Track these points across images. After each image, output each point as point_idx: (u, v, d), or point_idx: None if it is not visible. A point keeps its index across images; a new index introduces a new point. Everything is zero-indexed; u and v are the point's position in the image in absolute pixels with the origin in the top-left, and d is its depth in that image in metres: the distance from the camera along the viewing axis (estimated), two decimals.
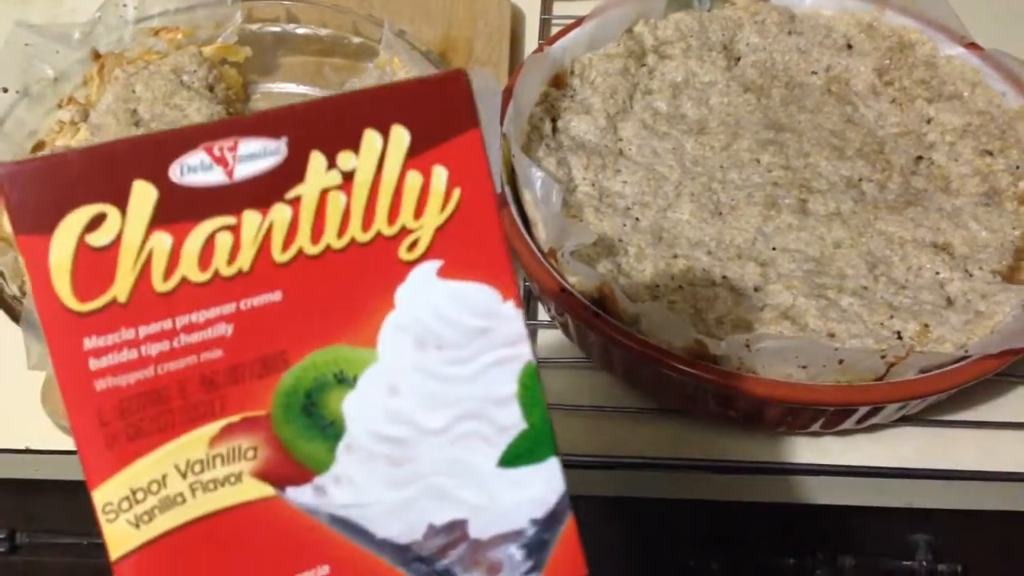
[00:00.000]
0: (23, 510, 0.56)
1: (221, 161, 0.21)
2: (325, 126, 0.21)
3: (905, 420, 0.46)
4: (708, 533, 0.55)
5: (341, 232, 0.22)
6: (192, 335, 0.21)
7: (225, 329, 0.21)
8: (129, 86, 0.54)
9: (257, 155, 0.21)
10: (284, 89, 0.61)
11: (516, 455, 0.23)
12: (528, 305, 0.50)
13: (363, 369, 0.22)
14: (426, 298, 0.22)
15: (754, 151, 0.51)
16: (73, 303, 0.21)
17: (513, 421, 0.23)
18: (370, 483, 0.22)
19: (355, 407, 0.22)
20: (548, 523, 0.23)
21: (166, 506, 0.21)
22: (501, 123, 0.49)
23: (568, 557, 0.23)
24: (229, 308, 0.21)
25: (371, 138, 0.22)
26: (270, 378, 0.22)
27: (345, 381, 0.22)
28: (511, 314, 0.23)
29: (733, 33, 0.57)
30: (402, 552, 0.22)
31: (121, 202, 0.20)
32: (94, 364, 0.21)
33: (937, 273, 0.46)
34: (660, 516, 0.51)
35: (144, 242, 0.21)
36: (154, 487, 0.21)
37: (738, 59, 0.57)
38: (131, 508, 0.21)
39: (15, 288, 0.47)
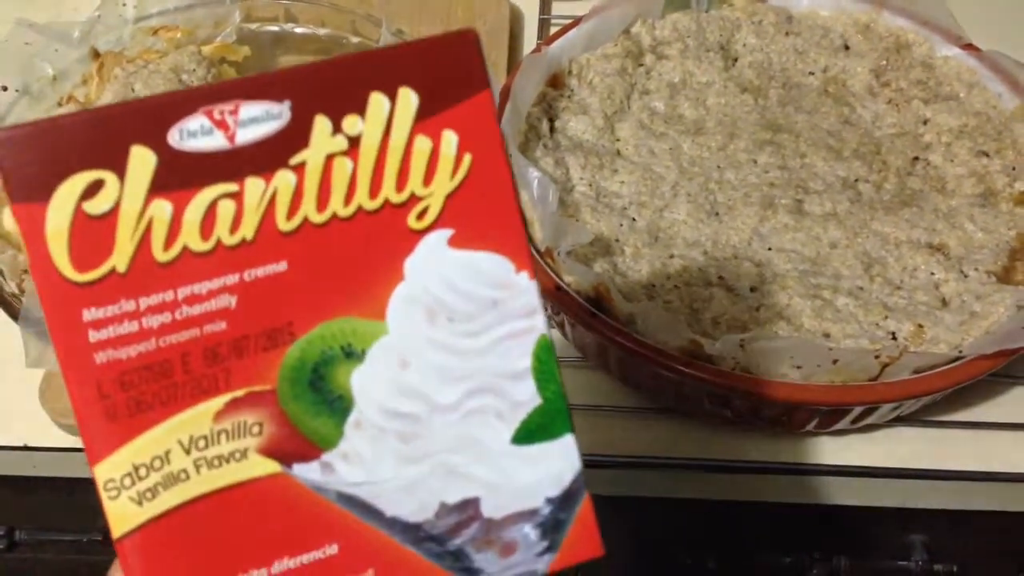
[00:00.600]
0: (22, 507, 0.56)
1: (222, 125, 0.20)
2: (330, 89, 0.21)
3: (900, 420, 0.46)
4: (704, 533, 0.54)
5: (347, 200, 0.21)
6: (194, 307, 0.21)
7: (229, 300, 0.21)
8: (128, 85, 0.54)
9: (259, 119, 0.20)
10: None
11: (530, 431, 0.22)
12: None
13: (372, 342, 0.21)
14: (437, 268, 0.21)
15: (751, 151, 0.51)
16: (71, 273, 0.20)
17: (527, 396, 0.22)
18: (380, 460, 0.21)
19: (364, 381, 0.21)
20: (564, 502, 0.23)
21: (169, 483, 0.21)
22: (498, 123, 0.49)
23: (584, 537, 0.23)
24: (232, 279, 0.21)
25: (378, 101, 0.21)
26: (276, 351, 0.21)
27: (353, 355, 0.21)
28: (525, 285, 0.22)
29: (730, 34, 0.58)
30: (413, 531, 0.22)
31: (119, 168, 0.20)
32: (94, 336, 0.20)
33: (932, 274, 0.46)
34: (656, 515, 0.51)
35: (143, 210, 0.20)
36: (157, 463, 0.20)
37: (735, 60, 0.57)
38: (134, 485, 0.20)
39: (13, 286, 0.46)
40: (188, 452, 0.21)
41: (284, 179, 0.21)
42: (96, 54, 0.55)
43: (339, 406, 0.21)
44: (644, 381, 0.46)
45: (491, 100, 0.22)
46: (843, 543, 0.54)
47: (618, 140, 0.53)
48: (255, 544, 0.21)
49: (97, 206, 0.20)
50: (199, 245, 0.20)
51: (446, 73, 0.21)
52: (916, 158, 0.52)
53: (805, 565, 0.54)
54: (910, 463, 0.45)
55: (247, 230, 0.21)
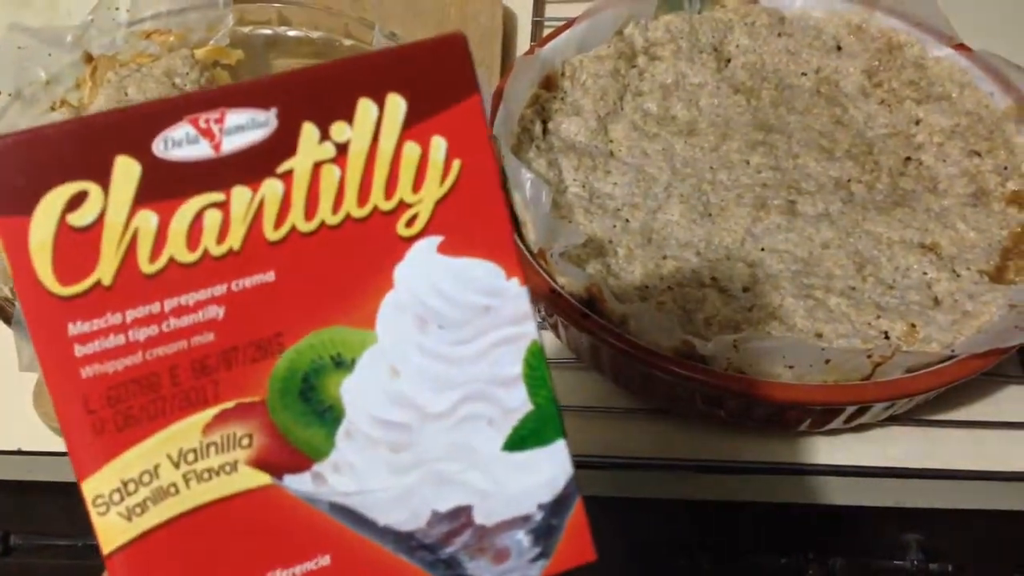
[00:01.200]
0: (17, 512, 0.56)
1: (207, 134, 0.20)
2: (317, 95, 0.20)
3: (894, 420, 0.46)
4: (698, 533, 0.54)
5: (336, 208, 0.21)
6: (182, 318, 0.20)
7: (216, 312, 0.20)
8: (121, 88, 0.54)
9: (245, 127, 0.20)
10: None
11: (522, 438, 0.22)
12: None
13: (362, 351, 0.21)
14: (426, 276, 0.21)
15: (744, 152, 0.51)
16: (56, 287, 0.20)
17: (519, 402, 0.22)
18: (371, 469, 0.21)
19: (354, 391, 0.21)
20: (556, 508, 0.23)
21: (159, 497, 0.20)
22: (491, 125, 0.49)
23: (577, 542, 0.23)
24: (220, 289, 0.20)
25: (365, 107, 0.21)
26: (265, 362, 0.21)
27: (343, 364, 0.21)
28: (515, 291, 0.22)
29: (723, 35, 0.58)
30: (405, 540, 0.22)
31: (103, 179, 0.19)
32: (79, 350, 0.20)
33: (925, 273, 0.46)
34: (650, 516, 0.51)
35: (128, 221, 0.20)
36: (146, 478, 0.20)
37: (728, 61, 0.57)
38: (123, 500, 0.20)
39: (7, 290, 0.46)
40: (177, 466, 0.20)
41: (271, 188, 0.20)
42: (89, 58, 0.55)
43: (330, 416, 0.21)
44: (637, 382, 0.46)
45: (480, 105, 0.21)
46: (838, 544, 0.54)
47: (611, 141, 0.53)
48: (247, 557, 0.21)
49: (81, 218, 0.20)
50: (185, 256, 0.20)
51: (434, 78, 0.21)
52: (908, 158, 0.52)
53: (801, 566, 0.54)
54: (904, 462, 0.45)
55: (234, 240, 0.20)
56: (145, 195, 0.20)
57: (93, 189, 0.20)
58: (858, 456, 0.45)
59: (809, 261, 0.47)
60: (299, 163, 0.21)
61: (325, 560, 0.21)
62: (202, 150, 0.20)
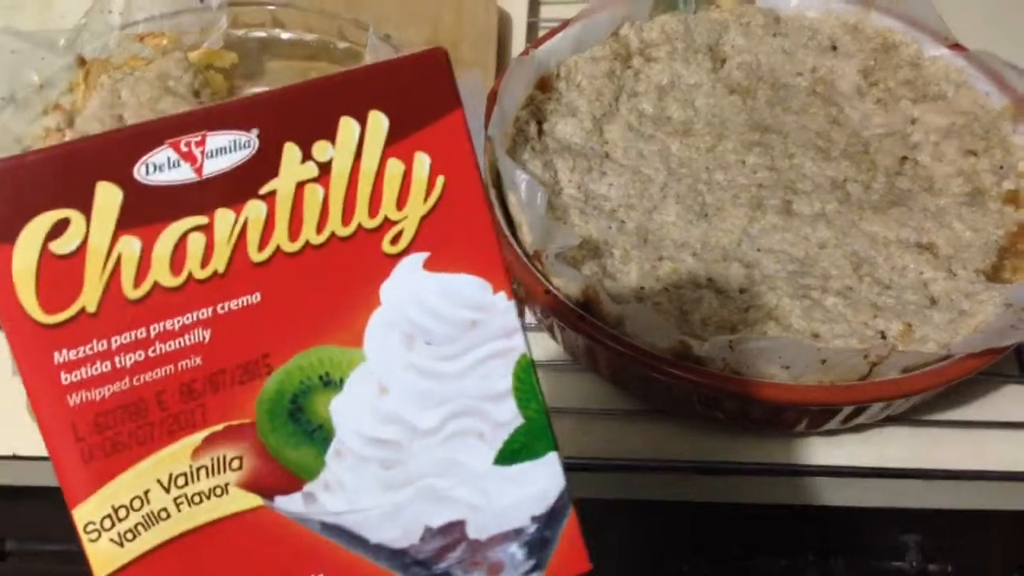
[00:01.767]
0: (12, 517, 0.56)
1: (188, 157, 0.20)
2: (298, 115, 0.20)
3: (891, 420, 0.45)
4: (697, 535, 0.54)
5: (320, 227, 0.21)
6: (168, 343, 0.20)
7: (202, 335, 0.20)
8: (115, 92, 0.53)
9: (227, 149, 0.20)
10: None
11: (513, 452, 0.22)
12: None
13: (350, 370, 0.21)
14: (413, 292, 0.21)
15: (739, 152, 0.51)
16: (40, 315, 0.20)
17: (509, 417, 0.22)
18: (362, 488, 0.21)
19: (343, 410, 0.21)
20: (549, 520, 0.23)
21: (150, 522, 0.20)
22: (486, 126, 0.49)
23: (571, 553, 0.23)
24: (205, 313, 0.20)
25: (347, 126, 0.21)
26: (253, 384, 0.21)
27: (332, 383, 0.21)
28: (503, 306, 0.22)
29: (719, 35, 0.57)
30: (399, 557, 0.22)
31: (85, 206, 0.19)
32: (65, 378, 0.20)
33: (921, 273, 0.46)
34: (648, 518, 0.51)
35: (111, 247, 0.20)
36: (137, 503, 0.20)
37: (723, 61, 0.57)
38: (114, 526, 0.20)
39: None
40: (168, 490, 0.20)
41: (254, 209, 0.20)
42: (82, 61, 0.55)
43: (319, 436, 0.21)
44: (634, 383, 0.46)
45: (463, 120, 0.21)
46: (838, 544, 0.54)
47: (606, 142, 0.53)
48: None
49: (64, 245, 0.19)
50: (170, 280, 0.20)
51: (416, 94, 0.21)
52: (904, 158, 0.52)
53: (800, 566, 0.54)
54: (901, 462, 0.45)
55: (218, 263, 0.20)
56: (127, 220, 0.20)
57: (75, 216, 0.19)
58: (855, 456, 0.45)
59: (805, 261, 0.47)
60: (282, 184, 0.21)
61: None
62: (184, 174, 0.20)
